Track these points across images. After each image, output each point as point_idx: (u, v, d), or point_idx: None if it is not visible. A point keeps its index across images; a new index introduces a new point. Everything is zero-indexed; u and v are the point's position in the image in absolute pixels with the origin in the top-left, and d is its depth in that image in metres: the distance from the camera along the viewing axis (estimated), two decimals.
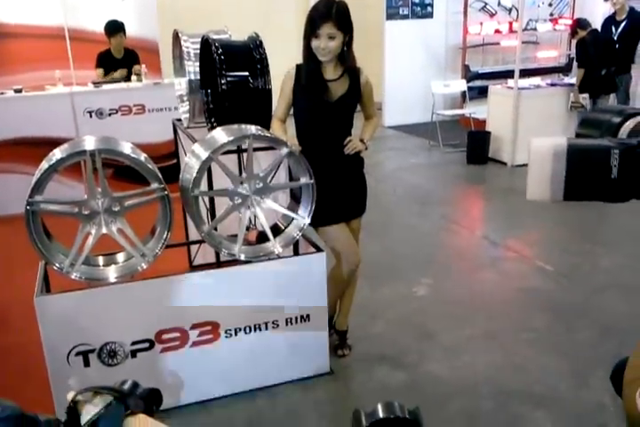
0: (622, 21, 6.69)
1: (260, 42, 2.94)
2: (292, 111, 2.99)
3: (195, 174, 2.52)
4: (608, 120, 1.33)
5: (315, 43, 2.78)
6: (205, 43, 3.00)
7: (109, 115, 5.74)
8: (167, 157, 4.80)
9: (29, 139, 5.44)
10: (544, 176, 1.19)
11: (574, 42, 7.10)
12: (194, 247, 4.13)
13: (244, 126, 2.72)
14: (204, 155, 2.53)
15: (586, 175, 1.19)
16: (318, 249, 2.99)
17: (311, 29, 2.77)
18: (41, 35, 6.69)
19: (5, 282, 4.08)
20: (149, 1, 7.10)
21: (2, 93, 5.58)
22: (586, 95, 6.65)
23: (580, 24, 6.81)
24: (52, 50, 6.68)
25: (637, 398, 0.96)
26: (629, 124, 1.29)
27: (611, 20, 6.84)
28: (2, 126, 5.42)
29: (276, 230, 2.84)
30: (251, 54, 2.87)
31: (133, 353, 2.72)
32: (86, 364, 2.66)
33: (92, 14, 6.72)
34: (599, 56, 6.50)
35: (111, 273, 2.62)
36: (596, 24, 7.65)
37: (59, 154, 2.42)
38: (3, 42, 6.66)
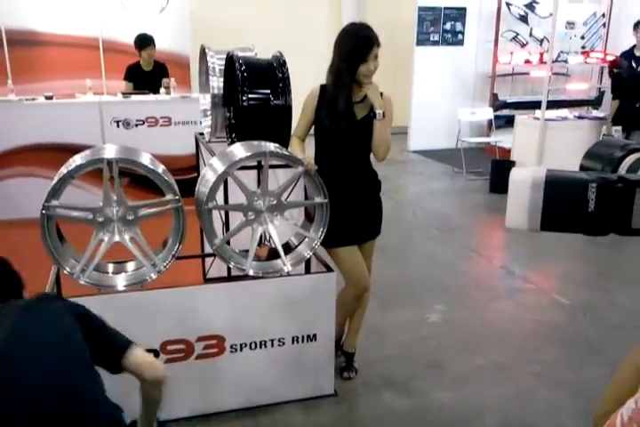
0: None
1: (284, 61, 2.97)
2: (312, 131, 3.00)
3: (210, 187, 2.53)
4: (610, 154, 1.33)
5: (364, 67, 2.79)
6: (230, 59, 3.04)
7: (136, 125, 5.83)
8: (189, 170, 4.83)
9: (56, 145, 5.54)
10: (522, 205, 1.20)
11: (608, 76, 7.12)
12: (209, 261, 4.13)
13: (263, 143, 2.74)
14: (221, 169, 2.55)
15: (563, 207, 1.20)
16: (329, 269, 2.97)
17: (363, 55, 2.77)
18: (76, 44, 6.87)
19: None
20: (184, 16, 7.29)
21: (33, 99, 5.69)
22: (619, 128, 6.58)
23: (617, 65, 6.89)
24: (85, 59, 6.85)
25: None
26: (629, 159, 1.29)
27: (629, 56, 6.76)
28: (31, 131, 5.55)
29: (288, 248, 2.84)
30: (274, 73, 2.89)
31: None
32: None
33: (127, 27, 6.88)
34: (634, 90, 6.46)
35: (120, 281, 2.63)
36: None
37: (78, 160, 2.46)
38: (39, 50, 6.85)
